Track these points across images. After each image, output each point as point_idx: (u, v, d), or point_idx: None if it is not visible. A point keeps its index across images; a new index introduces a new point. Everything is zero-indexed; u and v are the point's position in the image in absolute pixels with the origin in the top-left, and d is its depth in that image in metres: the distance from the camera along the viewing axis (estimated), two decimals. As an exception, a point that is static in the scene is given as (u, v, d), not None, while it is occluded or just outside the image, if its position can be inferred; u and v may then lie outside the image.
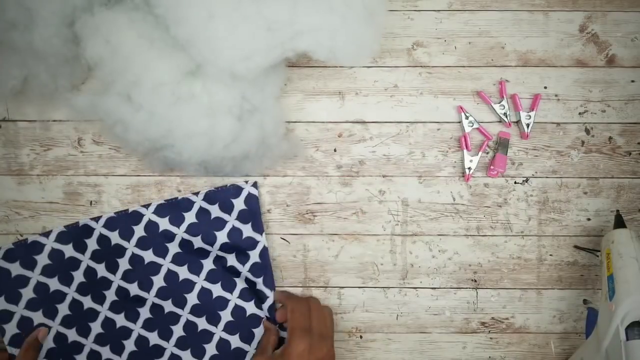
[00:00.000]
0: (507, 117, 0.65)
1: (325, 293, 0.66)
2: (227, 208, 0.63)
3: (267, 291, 0.63)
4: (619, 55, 0.65)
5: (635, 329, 0.53)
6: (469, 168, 0.65)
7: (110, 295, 0.62)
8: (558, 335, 0.67)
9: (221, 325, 0.62)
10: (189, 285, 0.62)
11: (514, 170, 0.66)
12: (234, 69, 0.56)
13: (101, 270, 0.62)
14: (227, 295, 0.62)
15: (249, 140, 0.61)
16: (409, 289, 0.66)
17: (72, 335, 0.61)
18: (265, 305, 0.63)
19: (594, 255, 0.65)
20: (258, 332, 0.62)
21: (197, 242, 0.63)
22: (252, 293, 0.63)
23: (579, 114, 0.66)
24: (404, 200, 0.66)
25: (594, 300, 0.66)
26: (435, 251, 0.66)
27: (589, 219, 0.66)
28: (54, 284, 0.61)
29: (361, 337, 0.66)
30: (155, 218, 0.63)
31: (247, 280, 0.63)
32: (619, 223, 0.61)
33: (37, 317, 0.60)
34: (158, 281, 0.62)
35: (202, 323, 0.62)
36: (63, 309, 0.61)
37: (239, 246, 0.63)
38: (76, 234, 0.62)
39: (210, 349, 0.62)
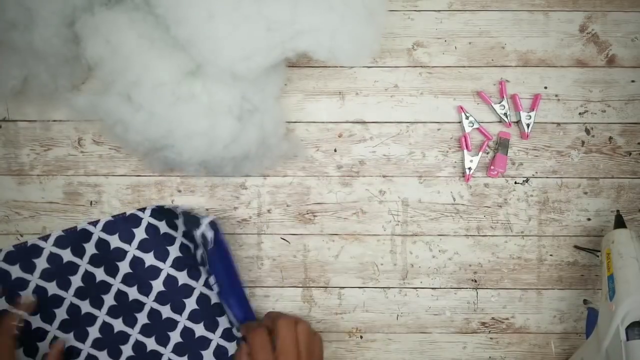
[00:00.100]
0: (507, 117, 0.65)
1: (326, 293, 0.66)
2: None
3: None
4: (619, 55, 0.65)
5: (636, 329, 0.53)
6: (469, 168, 0.65)
7: (109, 299, 0.62)
8: (558, 335, 0.67)
9: (219, 331, 0.62)
10: (187, 290, 0.62)
11: (514, 170, 0.66)
12: (234, 69, 0.56)
13: (100, 274, 0.62)
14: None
15: (249, 140, 0.61)
16: (409, 289, 0.66)
17: (69, 339, 0.61)
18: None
19: (594, 255, 0.65)
20: None
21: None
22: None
23: (579, 114, 0.66)
24: (404, 200, 0.66)
25: (594, 300, 0.66)
26: (436, 251, 0.66)
27: (589, 219, 0.66)
28: (52, 288, 0.61)
29: (361, 337, 0.66)
30: (154, 221, 0.63)
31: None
32: (619, 223, 0.61)
33: (35, 320, 0.60)
34: (157, 285, 0.62)
35: (199, 329, 0.62)
36: (61, 314, 0.61)
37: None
38: (74, 238, 0.62)
39: (208, 355, 0.62)
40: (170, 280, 0.62)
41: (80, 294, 0.61)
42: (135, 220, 0.63)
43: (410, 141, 0.66)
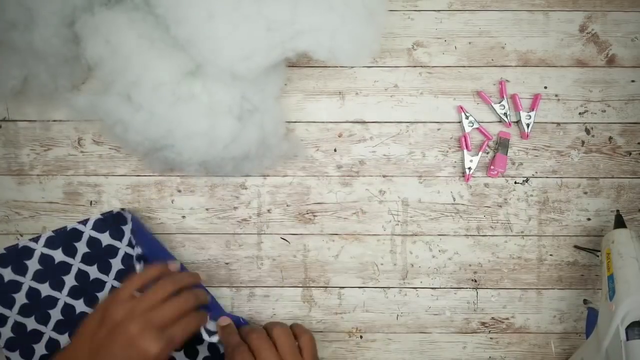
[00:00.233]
0: (507, 117, 0.65)
1: (325, 293, 0.66)
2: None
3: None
4: (619, 55, 0.65)
5: (636, 329, 0.53)
6: (469, 168, 0.65)
7: (103, 297, 0.62)
8: (558, 335, 0.67)
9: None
10: None
11: (514, 170, 0.66)
12: (234, 69, 0.56)
13: (93, 272, 0.62)
14: None
15: (249, 140, 0.61)
16: (409, 289, 0.66)
17: (64, 340, 0.61)
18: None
19: (594, 255, 0.65)
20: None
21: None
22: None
23: (579, 114, 0.66)
24: (404, 200, 0.66)
25: (594, 300, 0.66)
26: (436, 251, 0.66)
27: (589, 219, 0.66)
28: (45, 289, 0.61)
29: (361, 337, 0.66)
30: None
31: None
32: (619, 223, 0.61)
33: (30, 323, 0.60)
34: None
35: None
36: (55, 314, 0.61)
37: None
38: (65, 237, 0.62)
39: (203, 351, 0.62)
40: None
41: (74, 293, 0.61)
42: (123, 219, 0.63)
43: (410, 141, 0.66)
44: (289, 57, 0.59)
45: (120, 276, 0.62)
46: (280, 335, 0.55)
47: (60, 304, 0.61)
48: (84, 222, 0.63)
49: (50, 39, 0.56)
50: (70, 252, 0.62)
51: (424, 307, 0.66)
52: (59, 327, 0.61)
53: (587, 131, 0.66)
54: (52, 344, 0.61)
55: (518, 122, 0.65)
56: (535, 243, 0.66)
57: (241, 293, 0.66)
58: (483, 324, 0.67)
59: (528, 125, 0.65)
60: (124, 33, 0.56)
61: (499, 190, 0.66)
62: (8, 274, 0.60)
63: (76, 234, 0.62)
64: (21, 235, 0.64)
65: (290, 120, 0.65)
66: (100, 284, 0.62)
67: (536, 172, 0.66)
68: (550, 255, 0.66)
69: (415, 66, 0.65)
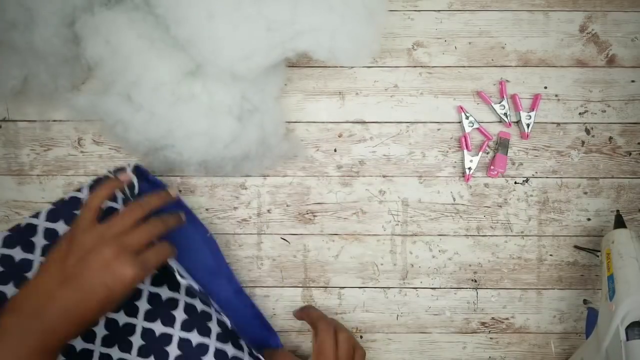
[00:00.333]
0: (507, 117, 0.65)
1: (325, 293, 0.66)
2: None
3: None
4: (619, 55, 0.65)
5: (636, 329, 0.53)
6: (469, 168, 0.65)
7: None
8: (558, 335, 0.67)
9: (213, 335, 0.60)
10: (173, 303, 0.60)
11: (514, 170, 0.66)
12: (234, 69, 0.56)
13: None
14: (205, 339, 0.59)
15: (249, 140, 0.61)
16: (409, 289, 0.66)
17: None
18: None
19: (594, 255, 0.65)
20: None
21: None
22: (227, 335, 0.60)
23: (579, 114, 0.66)
24: (404, 200, 0.66)
25: (594, 300, 0.66)
26: (436, 251, 0.66)
27: (589, 219, 0.66)
28: None
29: (361, 337, 0.66)
30: None
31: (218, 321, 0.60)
32: (619, 223, 0.61)
33: None
34: (143, 305, 0.60)
35: (195, 337, 0.59)
36: None
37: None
38: (66, 209, 0.60)
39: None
40: (153, 298, 0.60)
41: None
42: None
43: (410, 141, 0.66)
44: (289, 57, 0.59)
45: None
46: (344, 342, 0.57)
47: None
48: (81, 190, 0.60)
49: (50, 39, 0.56)
50: (72, 221, 0.59)
51: (424, 307, 0.66)
52: None
53: (587, 131, 0.66)
54: None
55: (518, 122, 0.65)
56: (535, 243, 0.66)
57: (241, 293, 0.66)
58: (483, 324, 0.67)
59: (528, 125, 0.65)
60: (124, 33, 0.56)
61: (499, 190, 0.66)
62: (18, 253, 0.59)
63: (75, 203, 0.60)
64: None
65: (290, 120, 0.65)
66: None
67: (536, 172, 0.66)
68: (550, 255, 0.66)
69: (415, 66, 0.65)
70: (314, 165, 0.66)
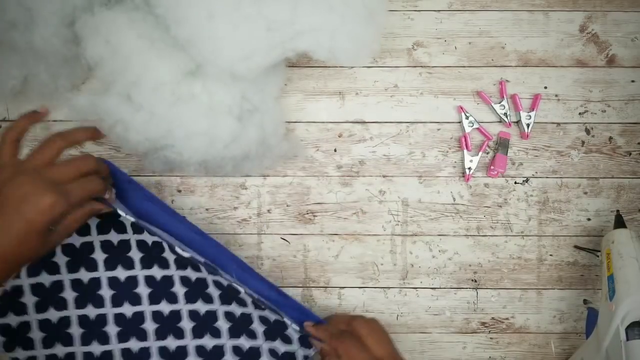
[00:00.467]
0: (507, 117, 0.65)
1: (326, 293, 0.66)
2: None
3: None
4: (619, 55, 0.65)
5: (636, 329, 0.53)
6: (469, 168, 0.65)
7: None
8: (558, 335, 0.67)
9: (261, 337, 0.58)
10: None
11: (514, 170, 0.66)
12: (234, 69, 0.56)
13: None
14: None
15: (249, 140, 0.61)
16: (409, 289, 0.66)
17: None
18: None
19: (594, 255, 0.65)
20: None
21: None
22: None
23: (579, 114, 0.66)
24: (404, 200, 0.66)
25: (594, 300, 0.66)
26: (436, 251, 0.66)
27: (589, 219, 0.66)
28: (84, 275, 0.57)
29: (361, 337, 0.66)
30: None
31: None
32: (619, 223, 0.61)
33: (90, 310, 0.56)
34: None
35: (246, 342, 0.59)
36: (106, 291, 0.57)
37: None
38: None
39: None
40: (150, 280, 0.58)
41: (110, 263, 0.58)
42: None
43: (410, 141, 0.66)
44: (289, 57, 0.59)
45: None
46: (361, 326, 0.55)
47: (104, 279, 0.57)
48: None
49: (50, 39, 0.56)
50: (83, 231, 0.57)
51: (424, 307, 0.66)
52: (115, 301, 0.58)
53: (587, 131, 0.66)
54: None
55: (518, 122, 0.65)
56: (535, 243, 0.66)
57: (241, 293, 0.66)
58: (483, 324, 0.67)
59: (528, 125, 0.65)
60: (124, 33, 0.56)
61: (499, 190, 0.66)
62: (46, 279, 0.56)
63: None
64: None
65: (290, 120, 0.65)
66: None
67: (536, 172, 0.66)
68: (550, 255, 0.66)
69: (415, 66, 0.65)
70: (314, 165, 0.66)
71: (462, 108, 0.65)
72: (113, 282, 0.57)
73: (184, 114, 0.58)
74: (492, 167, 0.65)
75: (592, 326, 0.58)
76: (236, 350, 0.57)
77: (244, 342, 0.57)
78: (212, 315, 0.57)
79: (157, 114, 0.58)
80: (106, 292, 0.57)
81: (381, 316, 0.66)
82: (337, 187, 0.66)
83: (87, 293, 0.57)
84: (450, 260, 0.66)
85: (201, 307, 0.57)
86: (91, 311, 0.57)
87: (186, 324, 0.57)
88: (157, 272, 0.56)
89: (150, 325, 0.57)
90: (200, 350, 0.57)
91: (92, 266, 0.56)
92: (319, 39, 0.56)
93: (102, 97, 0.59)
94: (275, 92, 0.63)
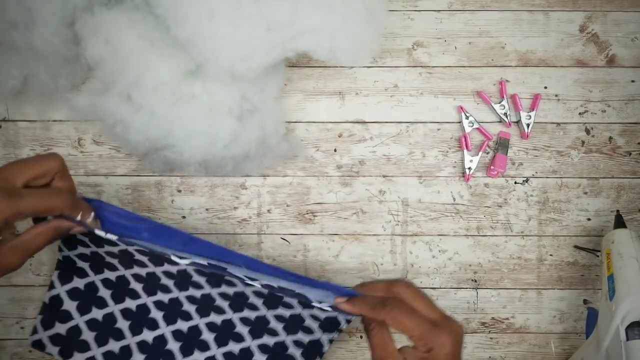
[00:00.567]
0: (507, 117, 0.65)
1: (326, 293, 0.66)
2: None
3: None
4: (619, 55, 0.65)
5: (636, 329, 0.53)
6: (469, 168, 0.65)
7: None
8: (558, 335, 0.67)
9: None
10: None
11: (514, 170, 0.66)
12: (234, 69, 0.56)
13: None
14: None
15: (249, 140, 0.61)
16: (409, 289, 0.66)
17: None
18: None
19: (594, 255, 0.65)
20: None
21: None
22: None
23: (579, 114, 0.66)
24: (404, 200, 0.66)
25: (594, 300, 0.66)
26: (436, 251, 0.66)
27: (589, 219, 0.66)
28: (119, 269, 0.57)
29: (361, 337, 0.66)
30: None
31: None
32: (619, 223, 0.61)
33: (148, 300, 0.57)
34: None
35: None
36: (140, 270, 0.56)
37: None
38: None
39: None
40: (159, 304, 0.58)
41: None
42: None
43: (410, 141, 0.66)
44: (289, 57, 0.59)
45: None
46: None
47: (128, 276, 0.57)
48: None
49: (50, 39, 0.56)
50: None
51: (424, 307, 0.66)
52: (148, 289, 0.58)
53: (587, 131, 0.66)
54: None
55: (518, 122, 0.65)
56: (535, 243, 0.66)
57: (241, 293, 0.66)
58: (483, 324, 0.67)
59: (528, 125, 0.65)
60: (124, 33, 0.56)
61: (499, 190, 0.66)
62: (79, 283, 0.57)
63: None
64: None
65: (290, 120, 0.65)
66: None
67: (536, 172, 0.66)
68: (550, 255, 0.66)
69: (415, 66, 0.65)
70: (314, 165, 0.66)
71: (462, 108, 0.65)
72: (137, 277, 0.57)
73: (184, 114, 0.58)
74: (492, 167, 0.65)
75: (592, 326, 0.58)
76: (263, 348, 0.57)
77: (268, 340, 0.57)
78: (229, 324, 0.57)
79: (157, 114, 0.58)
80: (136, 286, 0.57)
81: (381, 316, 0.66)
82: (337, 187, 0.66)
83: (120, 288, 0.57)
84: (450, 260, 0.66)
85: (216, 318, 0.57)
86: (130, 303, 0.57)
87: (208, 336, 0.57)
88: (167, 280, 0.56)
89: (189, 308, 0.57)
90: (228, 355, 0.57)
91: (112, 267, 0.57)
92: (319, 39, 0.56)
93: (102, 97, 0.59)
94: (275, 92, 0.63)
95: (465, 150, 0.65)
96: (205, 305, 0.58)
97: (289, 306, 0.55)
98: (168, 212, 0.65)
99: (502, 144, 0.65)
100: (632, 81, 0.65)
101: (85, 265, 0.57)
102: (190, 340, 0.58)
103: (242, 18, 0.54)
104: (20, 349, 0.65)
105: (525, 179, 0.66)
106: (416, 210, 0.66)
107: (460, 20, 0.65)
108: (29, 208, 0.42)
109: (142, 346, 0.58)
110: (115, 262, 0.57)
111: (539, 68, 0.65)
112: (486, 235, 0.66)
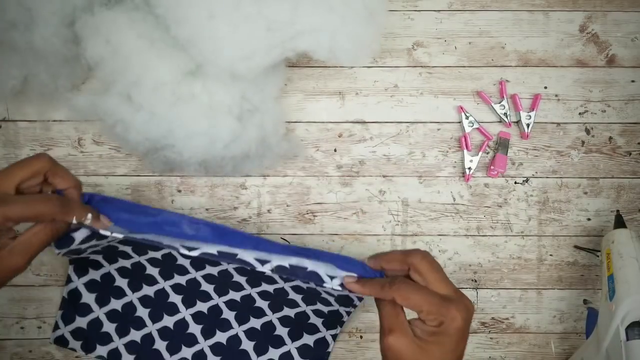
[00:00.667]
0: (507, 117, 0.65)
1: (326, 293, 0.66)
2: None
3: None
4: (619, 55, 0.65)
5: (636, 329, 0.53)
6: (469, 168, 0.65)
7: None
8: (558, 335, 0.67)
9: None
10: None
11: (514, 170, 0.66)
12: (234, 69, 0.56)
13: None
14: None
15: (249, 140, 0.61)
16: (409, 289, 0.66)
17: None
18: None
19: (594, 255, 0.65)
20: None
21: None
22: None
23: (579, 114, 0.66)
24: (404, 200, 0.66)
25: (594, 300, 0.66)
26: (436, 251, 0.66)
27: (589, 219, 0.66)
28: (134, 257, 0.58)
29: (361, 337, 0.66)
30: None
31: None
32: (619, 223, 0.61)
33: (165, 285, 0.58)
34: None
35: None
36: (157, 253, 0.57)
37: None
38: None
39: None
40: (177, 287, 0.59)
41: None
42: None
43: (410, 141, 0.66)
44: (289, 57, 0.59)
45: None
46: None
47: (144, 262, 0.58)
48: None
49: (50, 39, 0.56)
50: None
51: (424, 307, 0.66)
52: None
53: (587, 131, 0.66)
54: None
55: (518, 122, 0.65)
56: (535, 243, 0.66)
57: (241, 293, 0.66)
58: (483, 324, 0.67)
59: (528, 125, 0.65)
60: (124, 33, 0.56)
61: (499, 190, 0.66)
62: (95, 274, 0.57)
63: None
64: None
65: (290, 120, 0.65)
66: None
67: (536, 172, 0.66)
68: (550, 255, 0.66)
69: (415, 66, 0.65)
70: (314, 165, 0.66)
71: (462, 108, 0.65)
72: (153, 262, 0.57)
73: (184, 114, 0.58)
74: (492, 167, 0.65)
75: (592, 326, 0.58)
76: (284, 321, 0.57)
77: (289, 312, 0.58)
78: (248, 299, 0.58)
79: (157, 114, 0.58)
80: (152, 271, 0.57)
81: (381, 316, 0.66)
82: (337, 187, 0.66)
83: (136, 276, 0.57)
84: (450, 260, 0.66)
85: (235, 295, 0.57)
86: (148, 290, 0.58)
87: (228, 315, 0.58)
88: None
89: (207, 287, 0.58)
90: (250, 332, 0.57)
91: (126, 255, 0.57)
92: (319, 39, 0.56)
93: (102, 97, 0.59)
94: (275, 92, 0.63)
95: (465, 150, 0.65)
96: (223, 283, 0.58)
97: (304, 281, 0.54)
98: (168, 212, 0.65)
99: (502, 144, 0.65)
100: (632, 81, 0.65)
101: (98, 257, 0.57)
102: (211, 321, 0.58)
103: (242, 18, 0.54)
104: (20, 349, 0.65)
105: (525, 179, 0.66)
106: (416, 210, 0.66)
107: (460, 20, 0.65)
108: (17, 214, 0.42)
109: (164, 332, 0.58)
110: (128, 249, 0.57)
111: (539, 68, 0.65)
112: (486, 235, 0.66)
